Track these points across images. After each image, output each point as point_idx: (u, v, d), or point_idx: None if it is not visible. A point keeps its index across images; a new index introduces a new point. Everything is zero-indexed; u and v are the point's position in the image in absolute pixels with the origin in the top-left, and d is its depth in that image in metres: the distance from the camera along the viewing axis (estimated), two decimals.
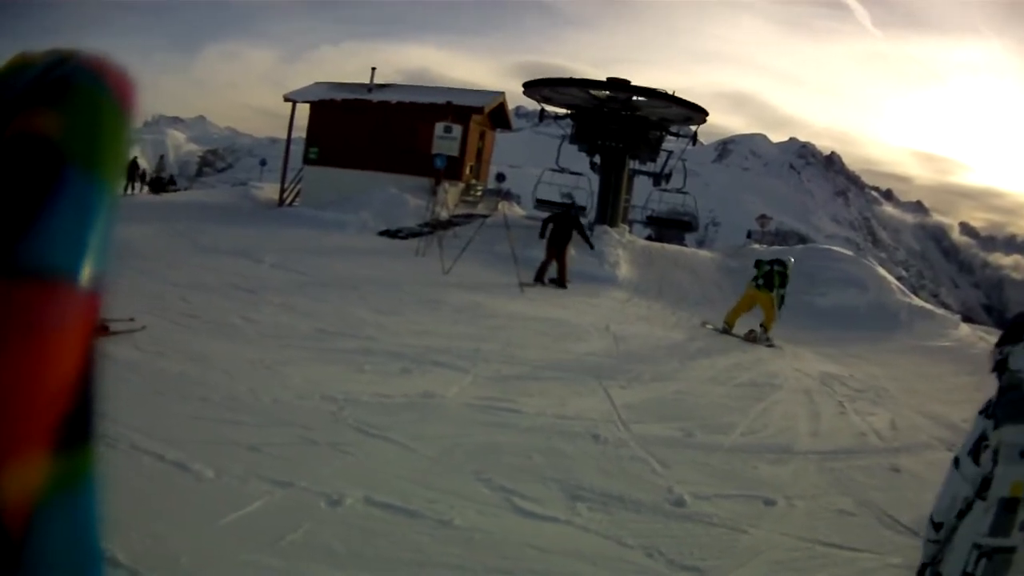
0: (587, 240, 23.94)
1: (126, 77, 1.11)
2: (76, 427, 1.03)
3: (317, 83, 38.71)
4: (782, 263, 19.68)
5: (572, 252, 23.45)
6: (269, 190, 38.51)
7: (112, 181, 1.06)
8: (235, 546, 5.59)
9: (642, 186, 39.08)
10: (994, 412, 4.16)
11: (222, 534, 5.74)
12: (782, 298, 19.15)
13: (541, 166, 39.26)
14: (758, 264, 19.76)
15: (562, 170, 36.96)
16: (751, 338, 18.59)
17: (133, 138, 1.10)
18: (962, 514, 4.26)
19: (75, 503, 1.04)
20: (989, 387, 11.88)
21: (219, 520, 5.91)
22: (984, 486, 4.13)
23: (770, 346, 18.14)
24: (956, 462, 4.39)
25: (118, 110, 1.08)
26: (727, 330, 19.17)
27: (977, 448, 4.23)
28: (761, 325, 18.87)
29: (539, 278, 22.44)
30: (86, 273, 1.00)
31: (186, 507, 6.13)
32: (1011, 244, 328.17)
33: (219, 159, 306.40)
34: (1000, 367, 4.28)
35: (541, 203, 35.82)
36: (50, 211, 0.97)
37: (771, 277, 19.12)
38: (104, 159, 1.05)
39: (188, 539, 5.54)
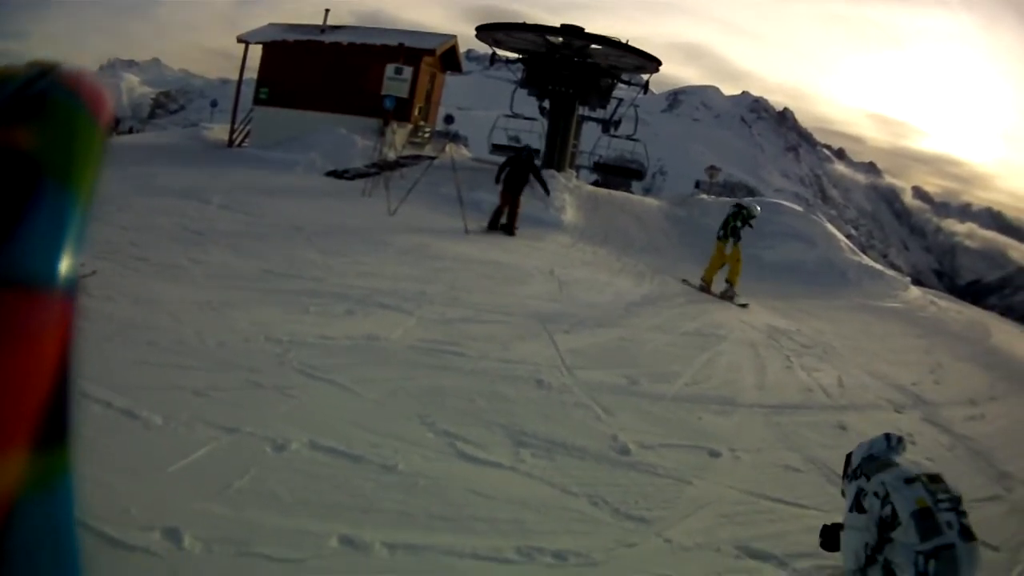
0: (543, 185, 23.30)
1: (100, 92, 1.15)
2: (54, 427, 1.08)
3: (271, 24, 37.99)
4: (739, 205, 19.77)
5: (522, 199, 22.80)
6: (219, 131, 37.85)
7: (86, 192, 1.11)
8: (183, 494, 5.60)
9: (590, 132, 38.97)
10: (863, 472, 4.79)
11: (170, 482, 5.76)
12: (736, 230, 19.18)
13: (490, 109, 39.23)
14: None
15: (516, 115, 36.90)
16: (727, 296, 18.59)
17: (107, 151, 1.14)
18: (870, 560, 4.56)
19: (53, 499, 1.09)
20: (937, 349, 12.20)
21: (167, 468, 5.93)
22: (884, 525, 4.48)
23: (742, 305, 18.06)
24: (841, 527, 4.96)
25: (92, 124, 1.12)
26: (705, 288, 19.18)
27: (858, 502, 4.72)
28: (727, 280, 18.89)
29: (493, 225, 22.07)
30: (62, 279, 1.05)
31: (135, 455, 6.11)
32: (966, 212, 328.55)
33: (172, 101, 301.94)
34: (854, 473, 5.05)
35: (497, 148, 35.71)
36: (28, 222, 1.01)
37: (727, 223, 19.23)
38: (79, 171, 1.10)
39: (137, 488, 5.54)
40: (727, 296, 18.61)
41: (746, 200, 21.55)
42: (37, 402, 1.04)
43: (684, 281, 19.72)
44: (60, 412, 1.10)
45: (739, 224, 19.23)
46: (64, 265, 1.05)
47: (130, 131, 48.50)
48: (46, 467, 1.07)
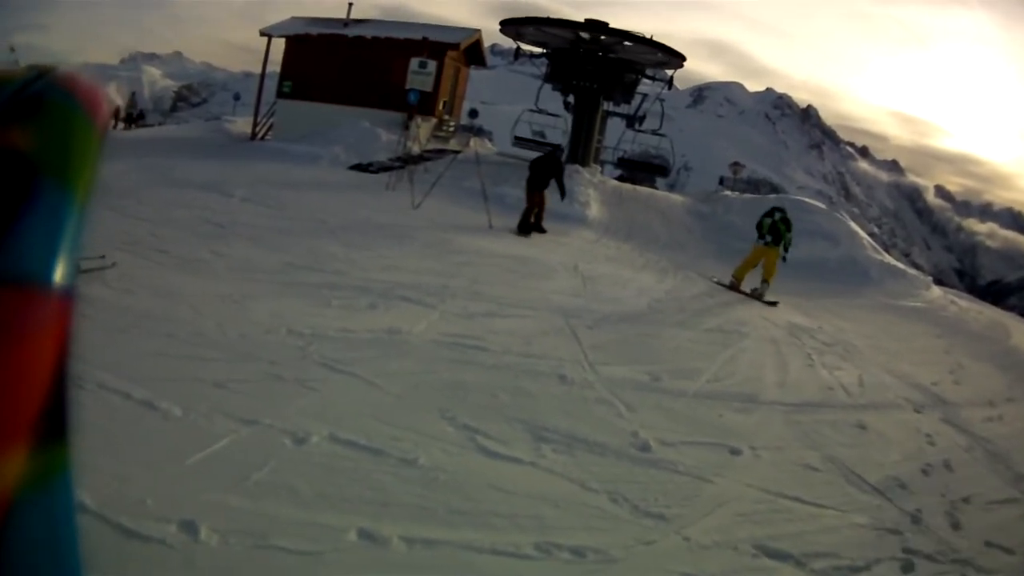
0: (561, 189, 22.59)
1: (97, 93, 1.14)
2: (52, 425, 1.06)
3: (294, 18, 38.27)
4: (781, 210, 19.53)
5: (546, 193, 22.37)
6: (242, 124, 38.09)
7: (83, 192, 1.09)
8: (201, 486, 5.58)
9: (615, 127, 39.03)
10: None
11: (189, 474, 5.73)
12: (789, 241, 19.08)
13: (514, 104, 39.30)
14: (760, 225, 19.32)
15: (540, 111, 37.02)
16: (755, 295, 18.53)
17: (104, 151, 1.14)
18: None
19: (52, 498, 1.07)
20: (957, 350, 12.06)
21: (186, 460, 5.90)
22: None
23: (771, 303, 18.03)
24: None
25: (89, 124, 1.11)
26: (735, 286, 19.12)
27: None
28: (764, 280, 18.80)
29: (524, 228, 21.54)
30: (60, 278, 1.04)
31: (153, 447, 6.10)
32: (987, 212, 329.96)
33: (194, 94, 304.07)
34: None
35: (520, 140, 36.04)
36: (25, 221, 1.01)
37: (776, 230, 18.97)
38: (75, 171, 1.09)
39: (155, 480, 5.51)
40: (757, 295, 18.52)
41: (777, 201, 21.32)
42: (35, 400, 1.03)
43: (716, 282, 19.61)
44: (58, 410, 1.08)
45: (790, 221, 19.25)
46: (61, 264, 1.04)
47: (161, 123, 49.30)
48: (44, 466, 1.06)
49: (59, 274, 1.04)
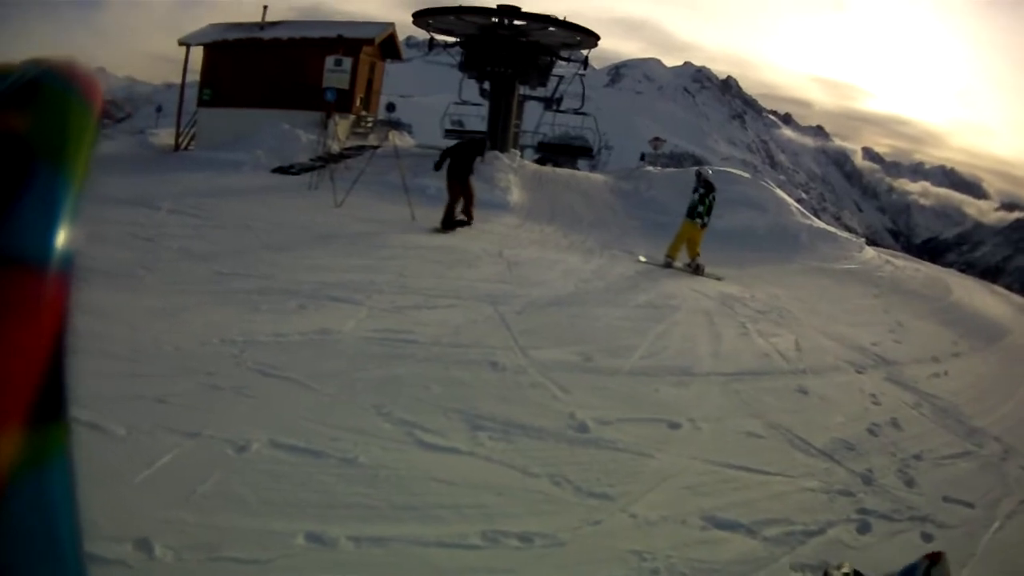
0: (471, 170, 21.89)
1: (93, 79, 1.18)
2: (49, 404, 1.09)
3: (211, 25, 37.66)
4: (711, 186, 19.54)
5: (472, 181, 21.86)
6: (165, 136, 37.59)
7: (80, 174, 1.12)
8: (150, 504, 5.60)
9: (533, 112, 39.08)
10: None
11: (137, 492, 5.74)
12: (711, 207, 19.24)
13: (431, 95, 39.77)
14: (695, 208, 19.31)
15: (465, 103, 37.36)
16: (699, 271, 18.73)
17: (100, 135, 1.19)
18: None
19: (48, 480, 1.10)
20: (896, 308, 12.32)
21: (133, 478, 5.91)
22: None
23: (706, 275, 18.43)
24: None
25: (86, 109, 1.15)
26: (670, 263, 19.17)
27: None
28: (696, 255, 19.02)
29: (448, 224, 20.87)
30: (57, 257, 1.07)
31: (100, 468, 6.02)
32: (918, 171, 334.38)
33: (118, 109, 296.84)
34: None
35: (450, 133, 36.27)
36: (22, 202, 1.03)
37: (712, 209, 19.22)
38: (72, 153, 1.12)
39: (105, 501, 5.45)
40: (697, 271, 18.71)
41: (703, 170, 21.22)
42: (31, 380, 1.06)
43: (646, 262, 19.46)
44: (55, 391, 1.11)
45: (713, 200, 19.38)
46: (59, 243, 1.08)
47: None
48: (40, 445, 1.08)
49: (56, 254, 1.07)
